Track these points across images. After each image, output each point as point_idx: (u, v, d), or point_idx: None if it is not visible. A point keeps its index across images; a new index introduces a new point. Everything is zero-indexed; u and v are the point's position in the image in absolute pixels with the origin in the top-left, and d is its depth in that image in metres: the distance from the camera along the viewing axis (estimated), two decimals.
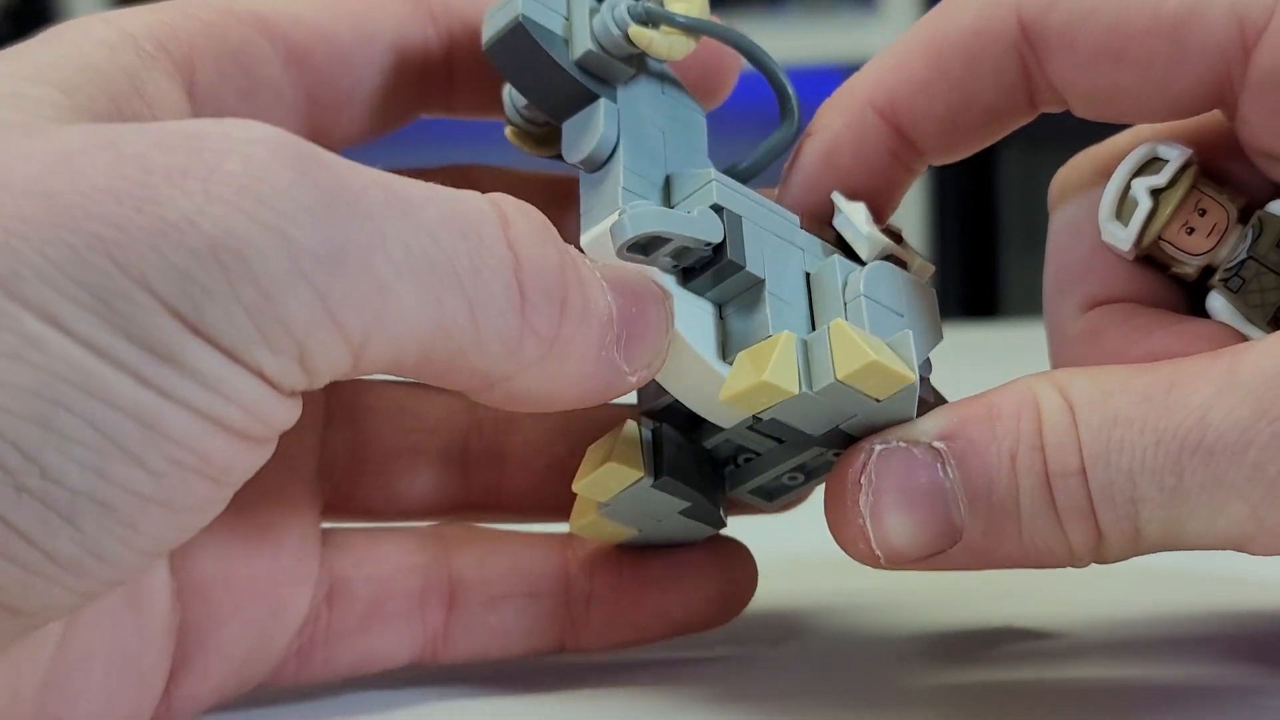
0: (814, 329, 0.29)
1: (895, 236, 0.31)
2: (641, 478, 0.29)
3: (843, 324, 0.28)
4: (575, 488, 0.30)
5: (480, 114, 0.33)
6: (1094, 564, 0.27)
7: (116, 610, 0.28)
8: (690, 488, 0.30)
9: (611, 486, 0.30)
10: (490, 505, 0.34)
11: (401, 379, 0.31)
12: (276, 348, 0.24)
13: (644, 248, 0.28)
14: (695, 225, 0.28)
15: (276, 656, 0.31)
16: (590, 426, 0.32)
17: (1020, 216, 1.92)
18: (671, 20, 0.30)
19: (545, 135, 0.32)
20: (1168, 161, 0.30)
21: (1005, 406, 0.27)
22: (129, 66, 0.27)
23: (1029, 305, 1.85)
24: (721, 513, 0.31)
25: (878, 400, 0.27)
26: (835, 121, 0.33)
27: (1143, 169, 0.30)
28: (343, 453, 0.33)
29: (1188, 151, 0.30)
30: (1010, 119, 0.32)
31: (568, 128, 0.30)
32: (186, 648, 0.30)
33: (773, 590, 0.34)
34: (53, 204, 0.23)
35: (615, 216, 0.28)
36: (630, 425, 0.30)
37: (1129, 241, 0.30)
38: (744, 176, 0.32)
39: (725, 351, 0.29)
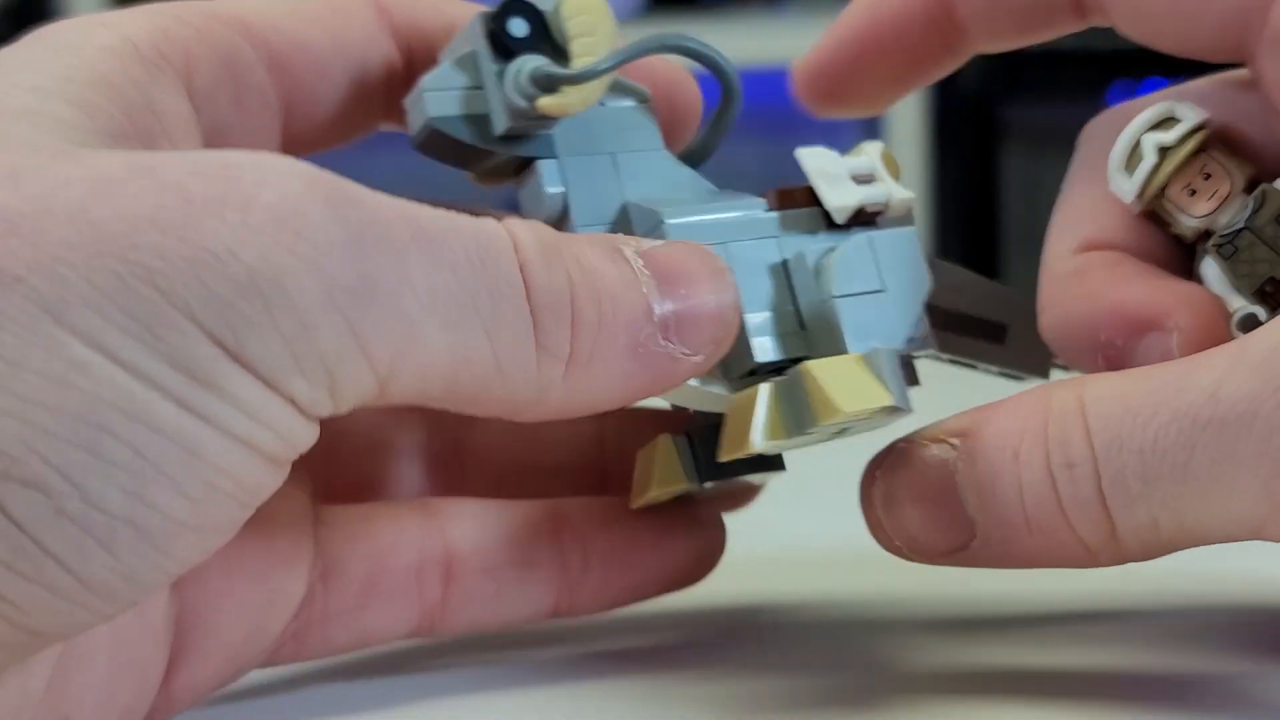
0: (801, 322, 0.30)
1: (865, 178, 0.31)
2: (689, 486, 0.30)
3: (811, 370, 0.28)
4: (634, 507, 0.31)
5: None
6: (1118, 564, 0.27)
7: None
8: (734, 471, 0.31)
9: (664, 497, 0.30)
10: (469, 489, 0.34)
11: None
12: (310, 376, 0.24)
13: None
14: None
15: (274, 639, 0.31)
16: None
17: (1020, 216, 1.92)
18: (570, 80, 0.30)
19: (505, 168, 0.32)
20: (1181, 121, 0.30)
21: (1019, 405, 0.28)
22: (138, 79, 0.28)
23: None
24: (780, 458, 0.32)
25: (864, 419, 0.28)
26: None
27: (1158, 126, 0.31)
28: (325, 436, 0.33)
29: (1204, 115, 0.31)
30: (1060, 20, 0.32)
31: (521, 199, 0.31)
32: (184, 637, 0.30)
33: (776, 586, 0.34)
34: (98, 231, 0.23)
35: None
36: (664, 440, 0.30)
37: (1132, 194, 0.31)
38: (699, 157, 0.32)
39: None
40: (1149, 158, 0.31)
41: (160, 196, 0.24)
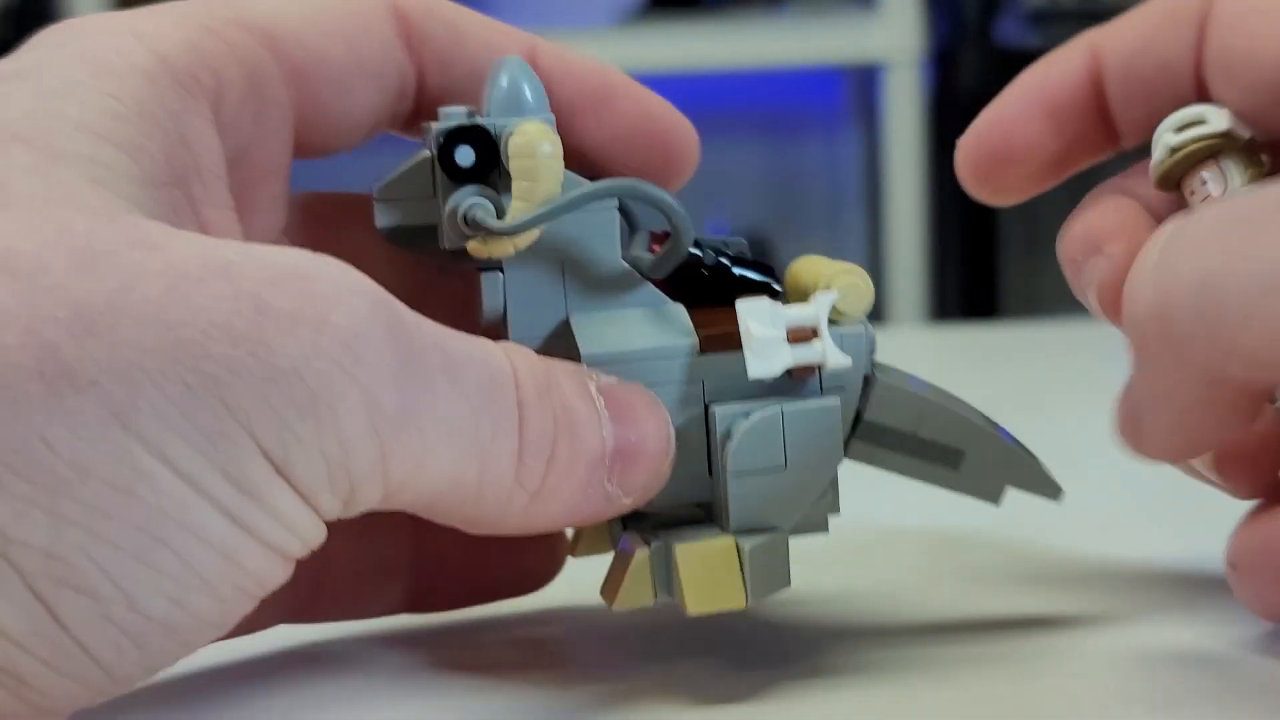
0: (710, 468, 0.30)
1: (803, 335, 0.30)
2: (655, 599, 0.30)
3: (677, 557, 0.29)
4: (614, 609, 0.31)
5: None
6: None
7: None
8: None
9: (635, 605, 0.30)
10: None
11: None
12: (336, 491, 0.25)
13: None
14: None
15: None
16: None
17: (1020, 217, 1.92)
18: (497, 233, 0.30)
19: None
20: (1205, 124, 0.32)
21: None
22: (173, 109, 0.28)
23: (1029, 306, 1.85)
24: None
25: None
26: (1058, 63, 0.35)
27: (1187, 126, 0.32)
28: None
29: (1227, 124, 0.32)
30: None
31: (476, 297, 0.31)
32: None
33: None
34: (172, 337, 0.24)
35: None
36: (639, 559, 0.30)
37: (1151, 178, 0.33)
38: (651, 274, 0.31)
39: None
40: (1157, 153, 0.32)
41: (236, 304, 0.24)
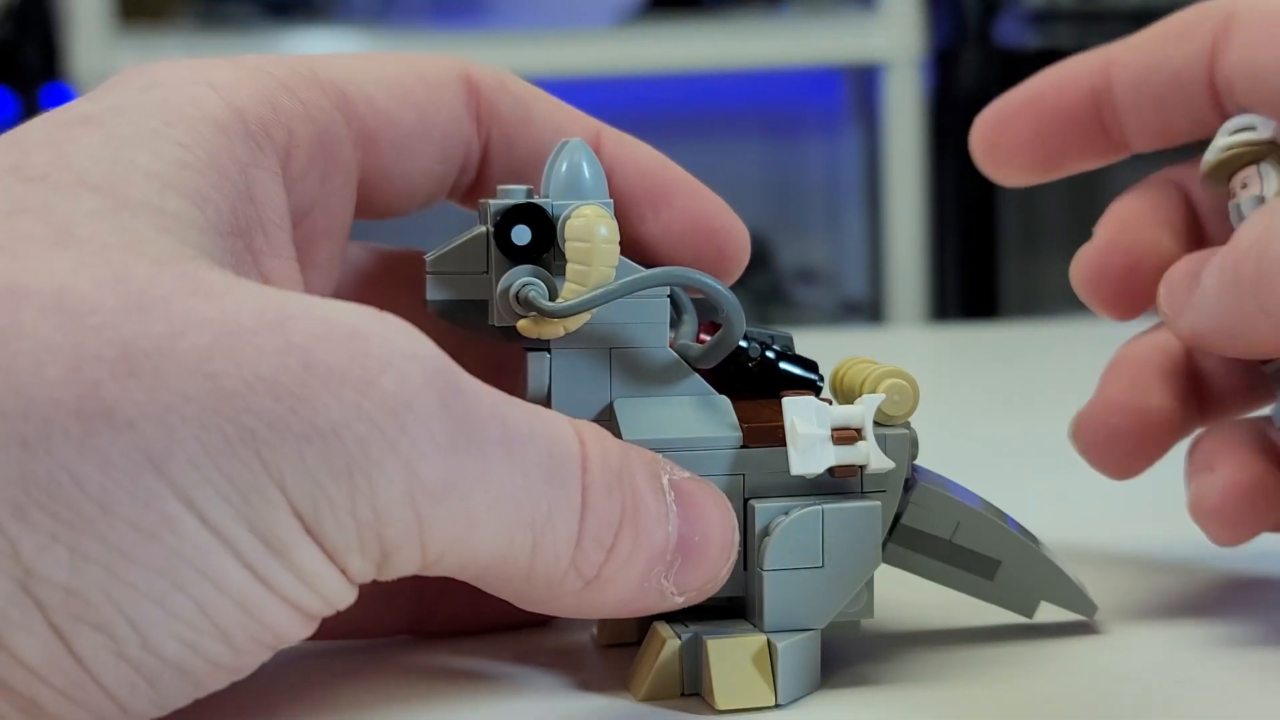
0: (745, 563, 0.30)
1: (848, 437, 0.30)
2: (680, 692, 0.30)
3: (709, 653, 0.29)
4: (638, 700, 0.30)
5: None
6: None
7: None
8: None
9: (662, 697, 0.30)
10: None
11: None
12: (367, 555, 0.25)
13: None
14: None
15: None
16: None
17: (1020, 217, 1.92)
18: (550, 314, 0.30)
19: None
20: (1254, 130, 0.34)
21: None
22: (242, 161, 0.28)
23: (1028, 306, 1.85)
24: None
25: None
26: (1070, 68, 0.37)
27: (1242, 130, 0.34)
28: None
29: (1269, 134, 0.34)
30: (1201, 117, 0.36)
31: (526, 366, 0.31)
32: None
33: None
34: (215, 386, 0.24)
35: None
36: (669, 652, 0.30)
37: (1200, 172, 0.35)
38: (698, 364, 0.31)
39: None
40: (1210, 153, 0.35)
41: (284, 358, 0.24)
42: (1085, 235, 0.36)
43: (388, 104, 0.31)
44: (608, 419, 0.30)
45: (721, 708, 0.29)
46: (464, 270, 0.31)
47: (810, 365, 0.33)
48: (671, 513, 0.28)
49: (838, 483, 0.30)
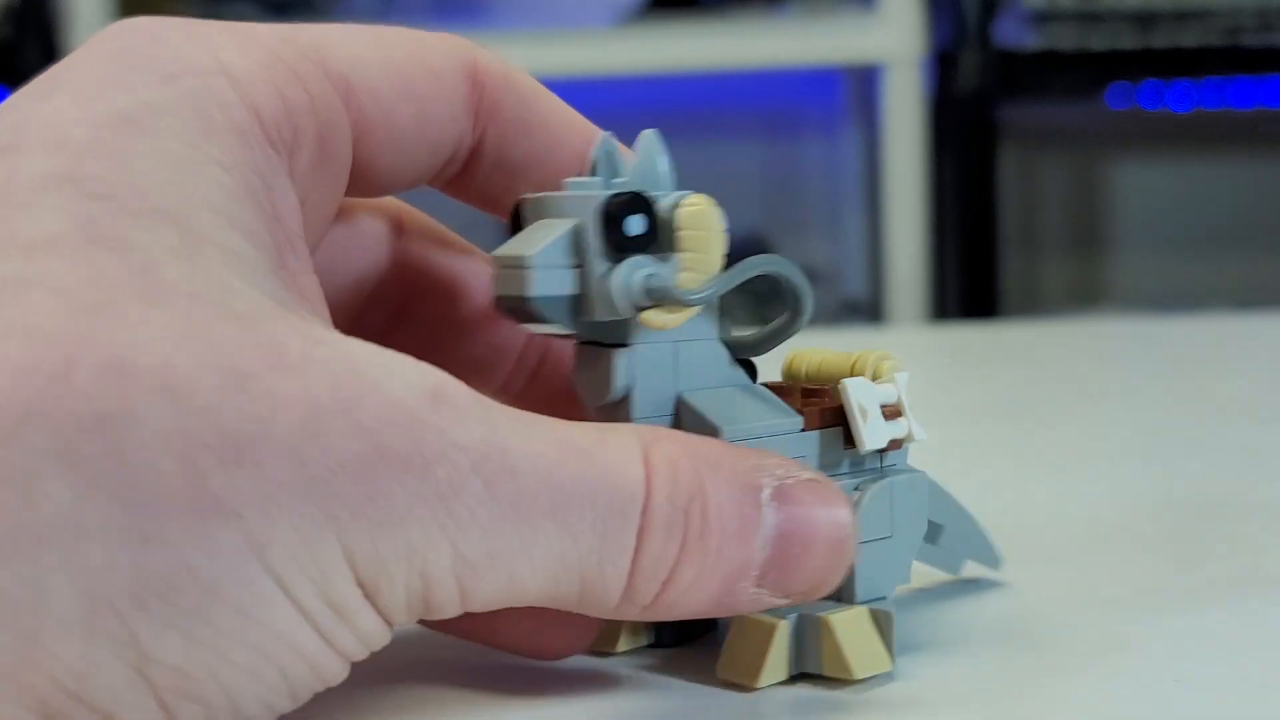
0: None
1: (892, 413, 0.32)
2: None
3: (833, 627, 0.30)
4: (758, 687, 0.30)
5: (479, 207, 0.34)
6: None
7: None
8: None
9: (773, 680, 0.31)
10: None
11: None
12: (412, 614, 0.27)
13: None
14: None
15: None
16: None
17: (1020, 217, 1.93)
18: (683, 303, 0.30)
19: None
20: None
21: None
22: (264, 175, 0.28)
23: (1028, 305, 1.85)
24: None
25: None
26: None
27: None
28: None
29: None
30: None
31: (579, 374, 0.31)
32: None
33: None
34: (307, 474, 0.25)
35: None
36: (781, 632, 0.30)
37: None
38: (748, 353, 0.32)
39: None
40: None
41: (358, 444, 0.25)
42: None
43: (390, 97, 0.31)
44: (675, 414, 0.31)
45: (859, 677, 0.30)
46: (563, 264, 0.30)
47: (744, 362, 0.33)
48: (766, 525, 0.28)
49: (860, 458, 0.32)
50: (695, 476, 0.28)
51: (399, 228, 0.35)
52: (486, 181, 0.33)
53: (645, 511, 0.27)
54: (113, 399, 0.24)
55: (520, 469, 0.27)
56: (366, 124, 0.31)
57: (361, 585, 0.26)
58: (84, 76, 0.28)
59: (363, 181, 0.32)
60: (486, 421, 0.27)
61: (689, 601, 0.28)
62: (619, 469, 0.27)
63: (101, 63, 0.28)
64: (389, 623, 0.27)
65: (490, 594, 0.27)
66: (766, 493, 0.28)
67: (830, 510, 0.29)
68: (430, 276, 0.35)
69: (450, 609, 0.27)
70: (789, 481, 0.29)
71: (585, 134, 0.33)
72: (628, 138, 0.32)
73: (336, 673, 0.27)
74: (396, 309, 0.35)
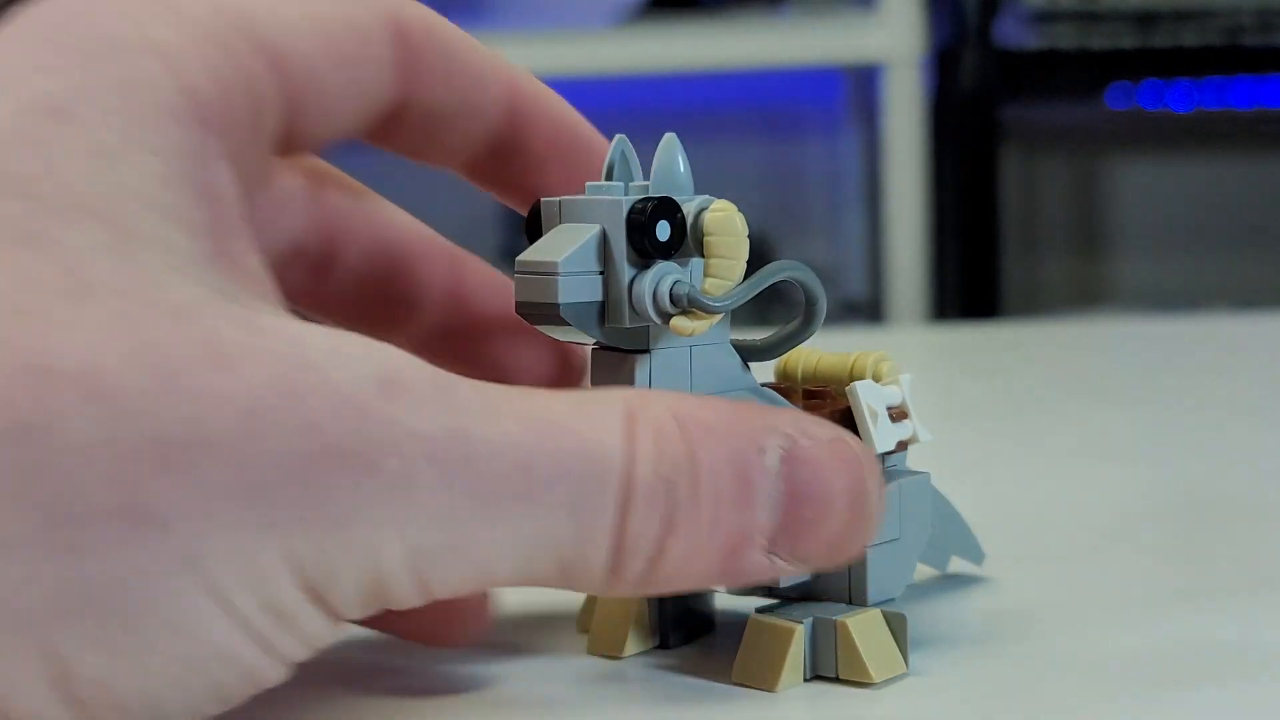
0: None
1: (899, 415, 0.32)
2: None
3: (850, 630, 0.30)
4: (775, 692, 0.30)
5: (406, 157, 0.33)
6: None
7: None
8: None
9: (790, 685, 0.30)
10: None
11: None
12: (367, 608, 0.26)
13: None
14: None
15: None
16: None
17: (1020, 216, 1.92)
18: (711, 310, 0.30)
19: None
20: None
21: None
22: (201, 157, 0.27)
23: (1028, 305, 1.85)
24: None
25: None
26: None
27: None
28: None
29: None
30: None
31: (596, 380, 0.31)
32: None
33: None
34: (246, 480, 0.24)
35: None
36: (799, 636, 0.30)
37: None
38: (760, 354, 0.32)
39: None
40: None
41: (303, 442, 0.24)
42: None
43: (319, 62, 0.30)
44: None
45: (878, 678, 0.30)
46: (588, 271, 0.30)
47: None
48: (770, 489, 0.27)
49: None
50: (684, 443, 0.27)
51: (317, 181, 0.34)
52: (412, 132, 0.32)
53: (626, 484, 0.26)
54: (34, 406, 0.23)
55: (479, 453, 0.25)
56: (296, 91, 0.29)
57: (307, 588, 0.25)
58: (5, 60, 0.27)
59: (289, 144, 0.30)
60: (446, 405, 0.25)
61: (688, 573, 0.27)
62: (594, 441, 0.26)
63: (24, 43, 0.27)
64: (342, 618, 0.26)
65: (456, 582, 0.26)
66: (773, 455, 0.27)
67: (848, 469, 0.28)
68: (348, 226, 0.34)
69: (413, 599, 0.26)
70: (803, 442, 0.28)
71: (509, 80, 0.32)
72: (628, 137, 0.32)
73: (274, 677, 0.26)
74: (318, 263, 0.34)
